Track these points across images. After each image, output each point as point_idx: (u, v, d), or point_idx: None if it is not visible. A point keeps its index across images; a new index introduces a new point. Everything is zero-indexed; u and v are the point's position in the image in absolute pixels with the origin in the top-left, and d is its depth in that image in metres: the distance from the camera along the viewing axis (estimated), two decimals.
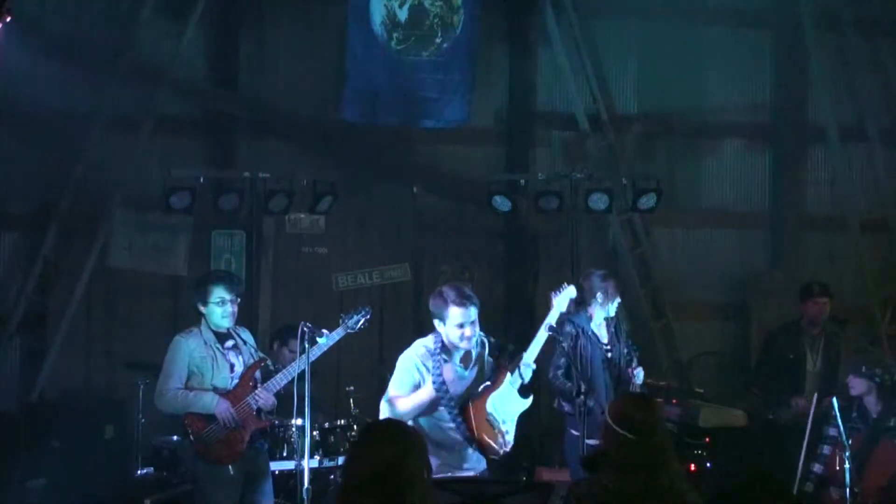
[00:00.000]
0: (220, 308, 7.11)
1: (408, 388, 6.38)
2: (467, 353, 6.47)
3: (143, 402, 8.25)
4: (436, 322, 6.40)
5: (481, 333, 6.55)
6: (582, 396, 7.08)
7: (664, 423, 4.74)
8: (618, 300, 7.89)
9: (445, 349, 6.40)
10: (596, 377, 7.52)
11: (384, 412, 6.45)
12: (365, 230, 10.67)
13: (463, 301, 6.31)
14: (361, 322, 7.36)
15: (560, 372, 7.60)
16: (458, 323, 6.31)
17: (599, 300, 7.76)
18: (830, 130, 11.01)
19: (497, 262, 10.80)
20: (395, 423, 4.80)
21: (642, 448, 4.55)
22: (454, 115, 10.33)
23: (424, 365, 6.37)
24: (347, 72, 10.16)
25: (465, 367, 6.46)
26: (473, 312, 6.33)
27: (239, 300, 7.27)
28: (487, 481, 6.31)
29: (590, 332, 7.70)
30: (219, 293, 7.12)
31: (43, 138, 9.90)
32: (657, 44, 10.77)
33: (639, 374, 7.61)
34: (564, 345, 7.44)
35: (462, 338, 6.34)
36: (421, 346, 6.47)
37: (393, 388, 6.45)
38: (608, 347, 7.72)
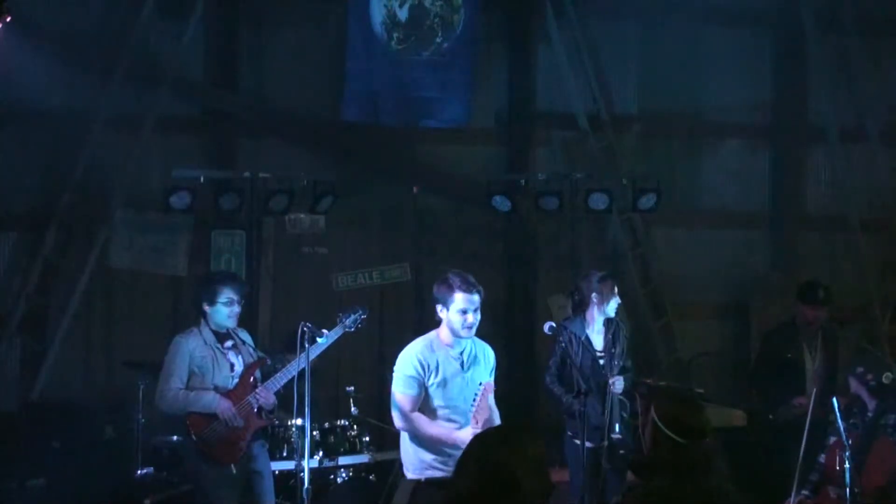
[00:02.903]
0: (228, 308, 7.16)
1: (410, 387, 6.38)
2: (468, 350, 6.47)
3: (143, 402, 8.25)
4: (438, 308, 6.41)
5: (484, 344, 6.58)
6: (582, 397, 7.09)
7: (711, 425, 4.69)
8: (616, 300, 7.87)
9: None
10: (585, 384, 7.47)
11: (397, 421, 6.49)
12: (365, 230, 10.66)
13: (468, 287, 6.34)
14: (358, 321, 7.42)
15: (553, 378, 7.61)
16: (461, 309, 6.33)
17: (595, 301, 7.75)
18: (830, 130, 11.01)
19: (497, 262, 10.80)
20: (506, 431, 4.54)
21: (693, 451, 4.51)
22: (454, 115, 10.34)
23: (423, 359, 6.39)
24: (347, 72, 10.17)
25: (463, 368, 6.46)
26: (477, 299, 6.36)
27: (243, 302, 7.32)
28: None
29: (583, 339, 7.69)
30: (227, 293, 7.16)
31: (43, 138, 9.91)
32: (657, 44, 10.77)
33: (617, 384, 7.56)
34: (563, 344, 7.43)
35: (464, 324, 6.35)
36: (420, 341, 6.49)
37: (396, 390, 6.45)
38: (601, 354, 7.71)
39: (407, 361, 6.43)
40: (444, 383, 6.39)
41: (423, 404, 6.40)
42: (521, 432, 3.87)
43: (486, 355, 6.62)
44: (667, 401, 4.77)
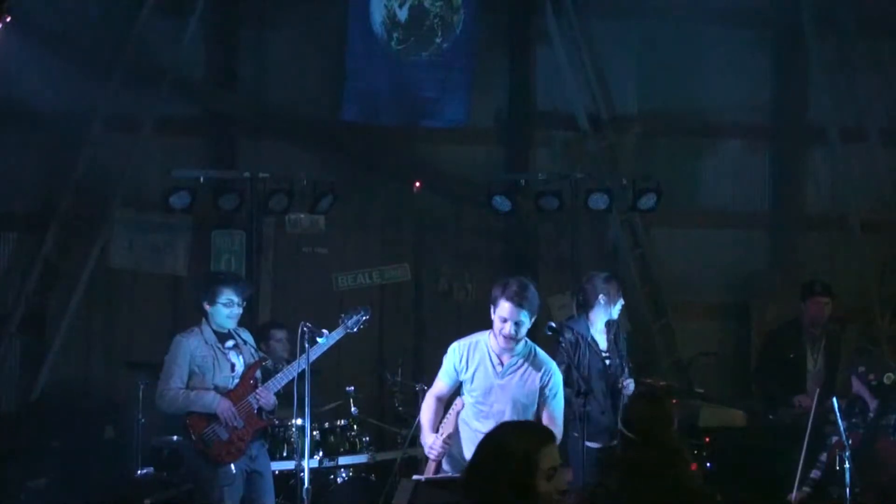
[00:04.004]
0: (227, 309, 7.17)
1: (442, 372, 6.48)
2: (515, 359, 6.40)
3: (143, 402, 8.25)
4: (491, 307, 6.38)
5: (547, 361, 6.49)
6: (583, 397, 7.09)
7: (671, 424, 4.65)
8: (621, 302, 7.88)
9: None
10: (593, 385, 7.46)
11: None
12: (365, 230, 10.66)
13: (516, 300, 6.24)
14: (360, 322, 7.43)
15: None
16: (502, 317, 6.27)
17: (602, 302, 7.76)
18: (830, 130, 11.00)
19: (497, 262, 10.79)
20: (526, 426, 4.55)
21: (648, 450, 4.46)
22: (454, 115, 10.34)
23: (465, 352, 6.42)
24: (347, 72, 10.17)
25: (499, 375, 6.40)
26: (523, 316, 6.26)
27: (244, 303, 7.32)
28: None
29: (589, 339, 7.68)
30: (228, 294, 7.17)
31: (43, 138, 9.91)
32: (657, 44, 10.76)
33: (629, 386, 7.55)
34: (564, 344, 7.42)
35: (500, 332, 6.29)
36: (469, 337, 6.49)
37: (438, 376, 6.57)
38: (606, 355, 7.70)
39: (449, 351, 6.51)
40: (471, 381, 6.40)
41: (464, 394, 6.43)
42: (537, 431, 3.90)
43: (543, 370, 6.44)
44: (631, 399, 4.78)
